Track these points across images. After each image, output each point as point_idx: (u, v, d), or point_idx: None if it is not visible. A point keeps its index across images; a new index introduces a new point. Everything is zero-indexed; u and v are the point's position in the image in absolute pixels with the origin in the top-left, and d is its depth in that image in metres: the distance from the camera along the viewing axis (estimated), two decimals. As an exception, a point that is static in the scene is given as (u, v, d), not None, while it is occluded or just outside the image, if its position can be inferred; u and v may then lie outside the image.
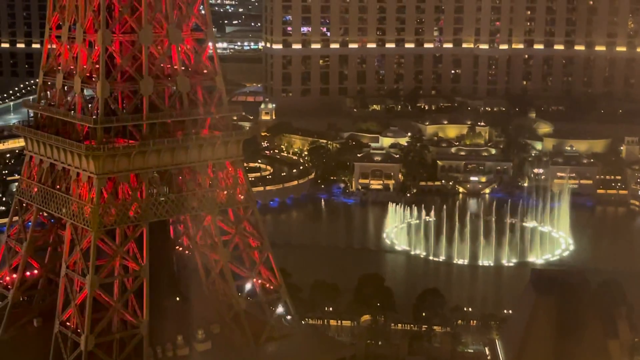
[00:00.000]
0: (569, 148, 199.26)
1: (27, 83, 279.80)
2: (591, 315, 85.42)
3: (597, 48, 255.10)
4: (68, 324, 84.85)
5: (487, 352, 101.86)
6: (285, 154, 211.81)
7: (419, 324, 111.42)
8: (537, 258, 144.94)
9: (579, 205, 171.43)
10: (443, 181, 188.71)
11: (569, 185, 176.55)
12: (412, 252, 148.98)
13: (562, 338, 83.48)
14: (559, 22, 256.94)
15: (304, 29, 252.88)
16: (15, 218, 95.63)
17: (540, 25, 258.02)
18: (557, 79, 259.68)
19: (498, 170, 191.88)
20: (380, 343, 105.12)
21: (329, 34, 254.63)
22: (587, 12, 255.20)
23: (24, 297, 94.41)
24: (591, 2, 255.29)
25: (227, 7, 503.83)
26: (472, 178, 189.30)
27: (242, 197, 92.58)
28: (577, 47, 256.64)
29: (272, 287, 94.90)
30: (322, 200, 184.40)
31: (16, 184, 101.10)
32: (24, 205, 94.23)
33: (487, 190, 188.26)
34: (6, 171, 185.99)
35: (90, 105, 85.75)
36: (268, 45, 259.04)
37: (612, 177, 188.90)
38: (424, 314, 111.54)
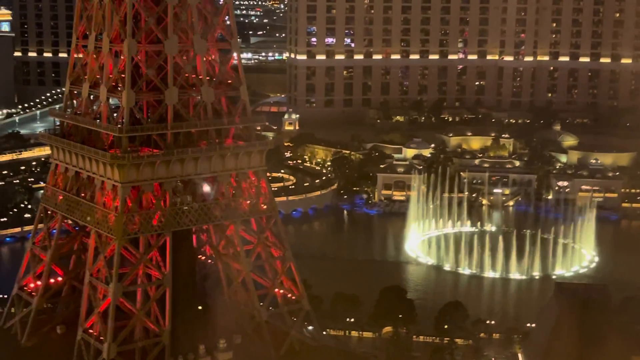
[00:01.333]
0: (593, 161, 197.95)
1: (53, 92, 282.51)
2: (614, 330, 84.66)
3: (623, 61, 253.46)
4: (91, 331, 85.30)
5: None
6: (308, 165, 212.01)
7: (441, 336, 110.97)
8: (560, 271, 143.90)
9: (604, 219, 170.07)
10: (466, 193, 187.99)
11: (594, 199, 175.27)
12: (435, 264, 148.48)
13: (585, 352, 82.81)
14: (585, 34, 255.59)
15: (328, 40, 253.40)
16: (40, 225, 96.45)
17: (565, 37, 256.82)
18: (582, 91, 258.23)
19: (522, 183, 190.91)
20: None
21: (353, 45, 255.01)
22: (613, 24, 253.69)
23: (47, 304, 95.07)
24: (617, 15, 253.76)
25: (252, 17, 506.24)
26: (495, 190, 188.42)
27: (264, 206, 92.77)
28: (602, 60, 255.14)
29: (293, 298, 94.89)
30: (345, 211, 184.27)
31: (42, 191, 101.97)
32: (49, 212, 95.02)
33: (511, 203, 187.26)
34: (32, 179, 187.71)
35: (115, 114, 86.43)
36: (292, 56, 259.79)
37: (638, 190, 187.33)
38: (446, 327, 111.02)
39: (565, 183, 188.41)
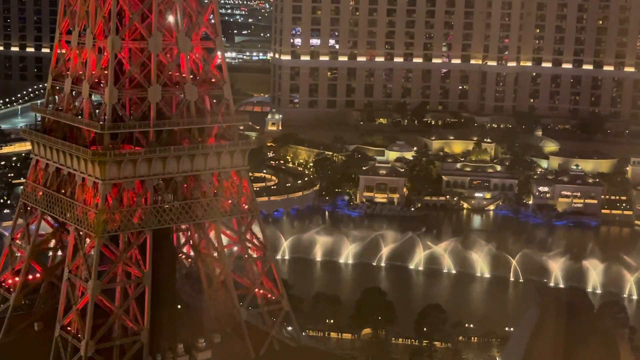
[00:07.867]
0: (574, 167, 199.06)
1: (35, 87, 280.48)
2: (593, 335, 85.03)
3: (606, 68, 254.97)
4: (69, 328, 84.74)
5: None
6: (291, 165, 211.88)
7: (420, 339, 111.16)
8: (540, 276, 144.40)
9: (583, 225, 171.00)
10: (448, 196, 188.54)
11: (574, 204, 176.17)
12: (415, 267, 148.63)
13: (563, 357, 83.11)
14: (568, 41, 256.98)
15: (313, 41, 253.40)
16: (20, 221, 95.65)
17: (549, 43, 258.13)
18: (564, 97, 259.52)
19: (503, 187, 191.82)
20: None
21: (337, 46, 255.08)
22: (596, 31, 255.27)
23: (25, 300, 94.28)
24: (600, 22, 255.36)
25: (237, 17, 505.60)
26: (476, 194, 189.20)
27: (246, 206, 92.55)
28: (585, 67, 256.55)
29: (273, 298, 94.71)
30: (326, 212, 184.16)
31: (21, 187, 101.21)
32: (29, 208, 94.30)
33: (492, 207, 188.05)
34: (12, 174, 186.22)
35: (97, 110, 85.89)
36: (276, 56, 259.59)
37: (617, 197, 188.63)
38: (425, 329, 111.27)
39: (546, 188, 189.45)
